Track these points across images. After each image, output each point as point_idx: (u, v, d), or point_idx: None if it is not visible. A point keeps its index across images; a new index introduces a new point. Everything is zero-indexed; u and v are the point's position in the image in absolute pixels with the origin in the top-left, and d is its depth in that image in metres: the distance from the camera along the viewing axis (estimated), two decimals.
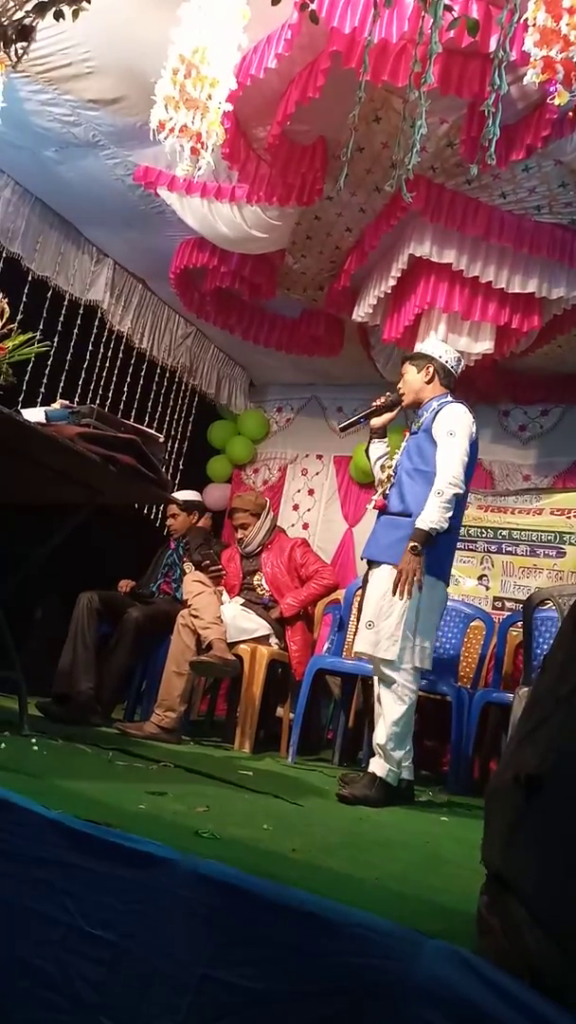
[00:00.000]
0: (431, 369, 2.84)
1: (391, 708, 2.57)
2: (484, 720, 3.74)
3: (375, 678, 2.70)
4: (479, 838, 0.98)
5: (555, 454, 5.33)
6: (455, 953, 0.80)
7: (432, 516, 2.56)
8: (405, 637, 2.57)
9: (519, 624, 3.35)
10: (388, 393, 2.98)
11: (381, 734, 2.58)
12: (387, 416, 2.95)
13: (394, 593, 2.53)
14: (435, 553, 2.62)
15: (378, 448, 2.97)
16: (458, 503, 2.69)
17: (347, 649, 3.92)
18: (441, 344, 3.03)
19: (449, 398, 2.82)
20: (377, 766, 2.56)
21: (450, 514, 2.59)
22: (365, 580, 2.78)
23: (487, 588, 5.31)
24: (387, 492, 2.78)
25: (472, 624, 4.18)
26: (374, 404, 2.96)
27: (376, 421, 2.95)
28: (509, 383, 5.19)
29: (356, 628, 2.76)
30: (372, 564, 2.74)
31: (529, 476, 5.40)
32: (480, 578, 5.35)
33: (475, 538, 5.42)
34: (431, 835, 2.13)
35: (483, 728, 3.77)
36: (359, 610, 2.81)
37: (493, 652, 3.93)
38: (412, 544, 2.53)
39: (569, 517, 5.14)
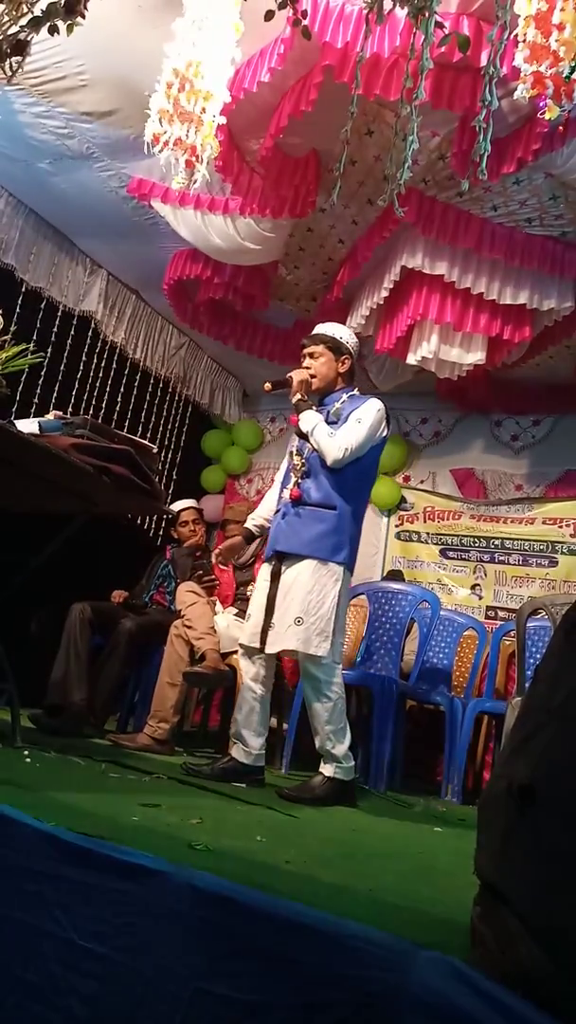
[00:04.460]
0: (349, 364, 2.83)
1: (319, 708, 2.57)
2: (478, 730, 3.74)
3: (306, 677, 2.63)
4: (472, 848, 0.97)
5: (547, 464, 5.35)
6: (448, 963, 0.80)
7: (320, 437, 2.63)
8: (336, 632, 2.58)
9: (512, 633, 3.36)
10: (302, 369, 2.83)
11: (320, 737, 2.58)
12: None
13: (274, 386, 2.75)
14: (341, 540, 2.61)
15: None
16: (364, 494, 2.73)
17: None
18: (350, 332, 2.93)
19: (356, 391, 2.82)
20: (324, 767, 2.58)
21: (327, 450, 2.62)
22: (275, 574, 2.65)
23: (480, 597, 5.33)
24: (299, 481, 2.69)
25: (465, 633, 4.19)
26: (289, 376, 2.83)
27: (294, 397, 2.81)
28: (501, 393, 5.22)
29: (266, 624, 2.64)
30: (286, 557, 2.65)
31: (521, 486, 5.42)
32: (473, 587, 5.37)
33: (468, 547, 5.44)
34: (424, 846, 2.12)
35: (476, 738, 3.77)
36: (269, 605, 2.65)
37: (486, 662, 3.94)
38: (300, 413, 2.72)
39: (561, 526, 5.16)
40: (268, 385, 2.84)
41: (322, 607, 2.56)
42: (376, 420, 2.69)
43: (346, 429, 2.65)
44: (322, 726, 2.56)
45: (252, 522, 2.94)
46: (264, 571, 2.75)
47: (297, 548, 2.63)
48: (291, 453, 2.80)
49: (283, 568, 2.65)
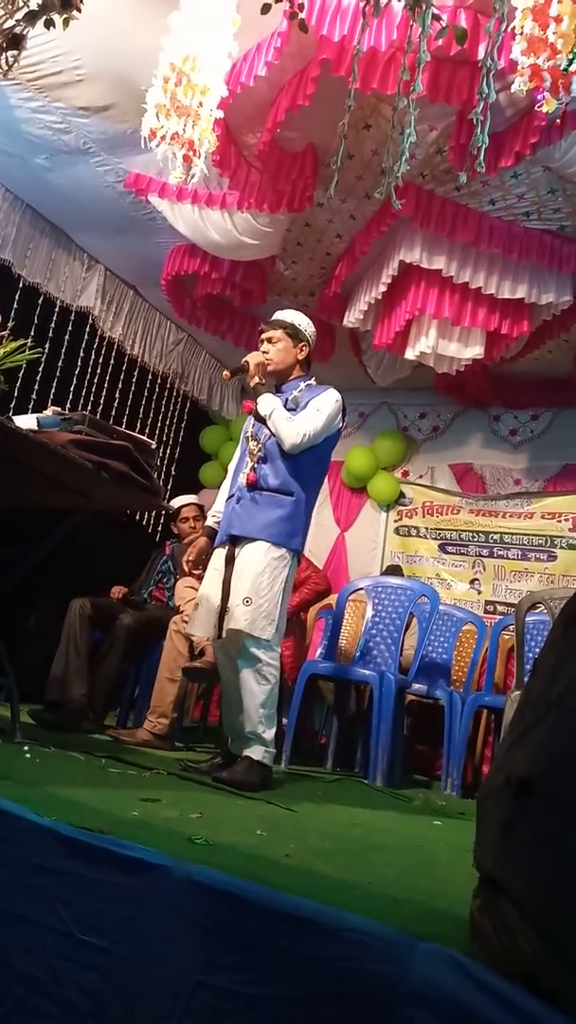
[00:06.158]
0: (307, 351, 2.83)
1: (257, 690, 2.52)
2: (477, 724, 3.74)
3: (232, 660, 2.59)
4: (472, 841, 0.98)
5: (545, 458, 5.36)
6: (448, 956, 0.80)
7: (279, 421, 2.61)
8: (279, 617, 2.55)
9: (511, 628, 3.37)
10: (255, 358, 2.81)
11: (251, 720, 2.53)
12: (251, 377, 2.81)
13: (241, 375, 2.71)
14: (296, 527, 2.61)
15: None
16: (318, 483, 2.73)
17: (339, 654, 3.92)
18: (308, 321, 2.90)
19: (313, 380, 2.81)
20: (253, 751, 2.53)
21: (284, 435, 2.59)
22: (230, 558, 2.62)
23: (479, 592, 5.34)
24: (255, 466, 2.67)
25: (464, 628, 4.20)
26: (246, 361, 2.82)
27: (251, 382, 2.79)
28: (500, 388, 5.23)
29: (222, 609, 2.58)
30: (239, 540, 2.62)
31: (520, 480, 5.43)
32: (472, 582, 5.37)
33: (467, 542, 5.45)
34: (424, 839, 2.13)
35: (476, 732, 3.78)
36: (225, 591, 2.60)
37: (485, 656, 3.94)
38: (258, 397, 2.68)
39: (560, 521, 5.17)
40: (227, 373, 2.82)
41: (271, 590, 2.54)
42: (334, 411, 2.69)
43: (304, 416, 2.65)
44: (256, 709, 2.52)
45: (213, 519, 2.87)
46: (218, 557, 2.69)
47: (253, 532, 2.60)
48: (246, 438, 2.78)
49: (237, 552, 2.62)
